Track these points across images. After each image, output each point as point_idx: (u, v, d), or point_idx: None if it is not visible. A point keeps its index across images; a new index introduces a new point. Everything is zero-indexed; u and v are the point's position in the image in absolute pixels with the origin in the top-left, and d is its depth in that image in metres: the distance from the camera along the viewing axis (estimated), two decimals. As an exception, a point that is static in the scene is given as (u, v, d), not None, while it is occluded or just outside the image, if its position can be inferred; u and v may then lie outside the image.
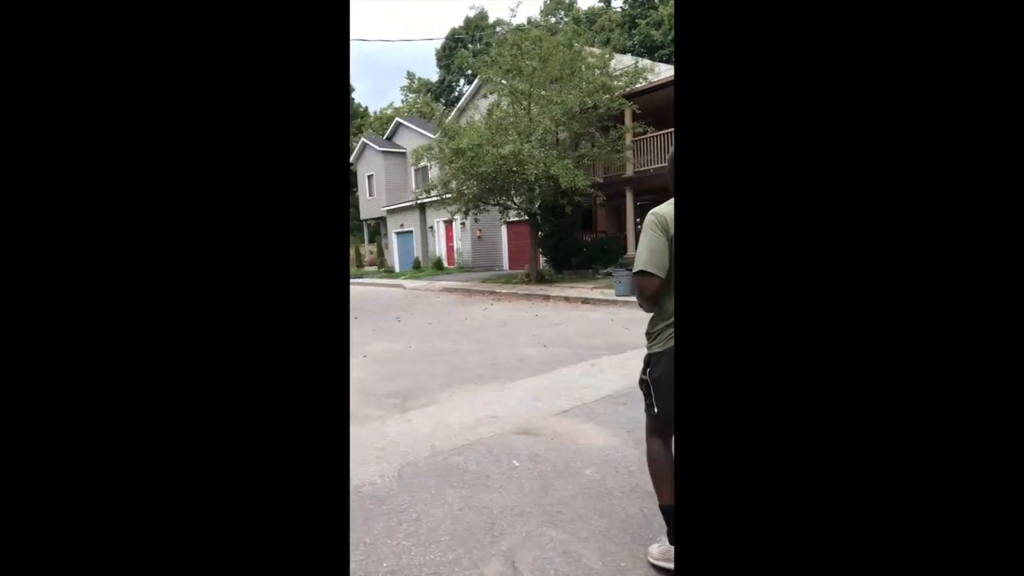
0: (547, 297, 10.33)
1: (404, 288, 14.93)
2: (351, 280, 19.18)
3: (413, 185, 21.75)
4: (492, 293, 11.77)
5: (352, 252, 27.56)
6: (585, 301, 9.46)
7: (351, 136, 36.93)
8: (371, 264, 27.57)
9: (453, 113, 19.26)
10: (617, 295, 9.28)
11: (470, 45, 34.04)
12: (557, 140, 12.21)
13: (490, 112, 12.48)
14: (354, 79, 70.11)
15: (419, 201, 18.29)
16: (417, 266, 21.54)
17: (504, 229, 18.90)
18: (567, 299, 9.87)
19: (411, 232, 22.71)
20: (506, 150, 10.71)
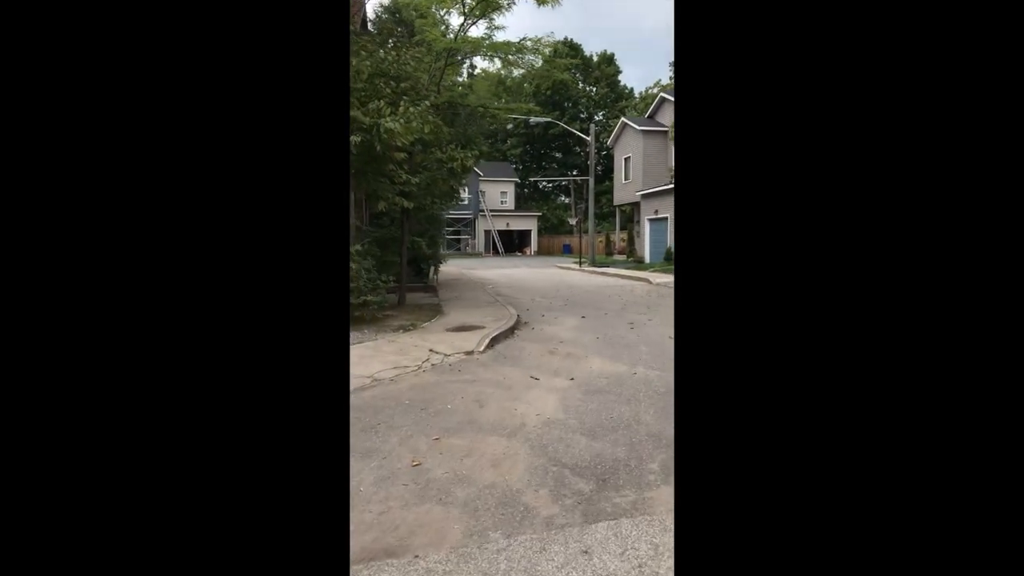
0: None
1: (650, 283, 13.08)
2: (595, 268, 18.22)
3: (671, 164, 19.41)
4: (761, 300, 9.03)
5: (602, 239, 26.89)
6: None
7: (613, 118, 36.08)
8: (620, 252, 26.34)
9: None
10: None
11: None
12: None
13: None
14: (624, 64, 69.76)
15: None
16: (669, 257, 19.23)
17: (783, 218, 15.27)
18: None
19: (665, 219, 20.44)
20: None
